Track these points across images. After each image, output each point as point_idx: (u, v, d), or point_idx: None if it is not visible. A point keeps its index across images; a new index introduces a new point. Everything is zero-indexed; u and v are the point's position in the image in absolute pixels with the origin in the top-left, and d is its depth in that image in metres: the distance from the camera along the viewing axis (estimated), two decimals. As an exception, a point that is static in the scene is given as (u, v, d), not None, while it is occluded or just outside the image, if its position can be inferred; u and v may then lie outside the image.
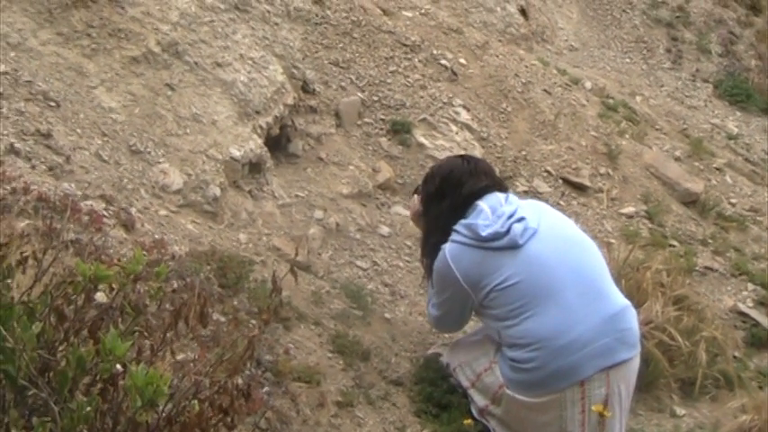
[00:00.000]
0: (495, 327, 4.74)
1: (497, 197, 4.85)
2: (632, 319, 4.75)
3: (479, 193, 4.86)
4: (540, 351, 4.56)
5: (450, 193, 4.93)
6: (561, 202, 6.95)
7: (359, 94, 6.86)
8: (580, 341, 4.54)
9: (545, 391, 4.60)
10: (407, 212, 6.06)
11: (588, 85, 8.78)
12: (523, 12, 9.36)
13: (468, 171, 4.96)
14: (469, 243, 4.71)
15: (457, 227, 4.77)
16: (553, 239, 4.72)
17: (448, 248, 4.76)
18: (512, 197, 4.93)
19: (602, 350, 4.56)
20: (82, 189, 4.86)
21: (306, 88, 6.64)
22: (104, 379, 2.82)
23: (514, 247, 4.65)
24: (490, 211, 4.75)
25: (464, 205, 4.86)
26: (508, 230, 4.66)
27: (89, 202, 4.74)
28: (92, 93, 5.53)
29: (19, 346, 2.70)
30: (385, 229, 6.14)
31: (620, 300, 4.75)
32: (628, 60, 10.06)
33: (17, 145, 4.94)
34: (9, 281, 2.93)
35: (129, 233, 4.79)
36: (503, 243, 4.66)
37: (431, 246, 4.94)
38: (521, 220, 4.69)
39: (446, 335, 5.34)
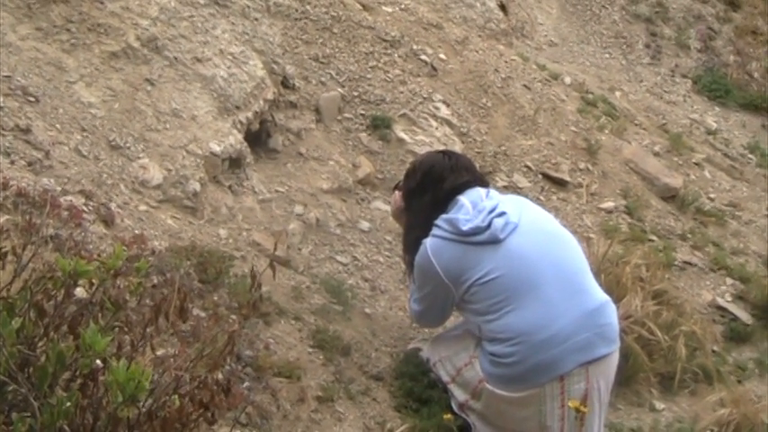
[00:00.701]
0: (475, 321, 4.75)
1: (478, 192, 4.87)
2: (612, 314, 4.76)
3: (460, 189, 4.87)
4: (520, 345, 4.57)
5: (431, 188, 4.94)
6: (541, 197, 6.96)
7: (339, 89, 6.86)
8: (560, 336, 4.55)
9: (525, 386, 4.61)
10: (388, 208, 6.07)
11: (568, 80, 8.79)
12: (503, 7, 9.38)
13: (450, 166, 4.97)
14: (450, 237, 4.72)
15: (438, 221, 4.78)
16: (534, 234, 4.74)
17: (429, 243, 4.77)
18: (493, 192, 4.94)
19: (581, 345, 4.57)
20: (61, 184, 4.84)
21: (286, 83, 6.64)
22: (84, 374, 2.82)
23: (495, 241, 4.66)
24: (471, 206, 4.76)
25: (445, 200, 4.87)
26: (489, 225, 4.67)
27: (69, 198, 4.73)
28: (71, 88, 5.51)
29: (-2, 342, 2.70)
30: (365, 225, 6.15)
31: (599, 295, 4.76)
32: (607, 56, 10.09)
33: (-4, 140, 4.92)
34: (-12, 276, 2.93)
35: (109, 228, 4.78)
36: (483, 237, 4.67)
37: (412, 241, 4.95)
38: (502, 214, 4.70)
39: (426, 330, 5.35)
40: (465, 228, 4.68)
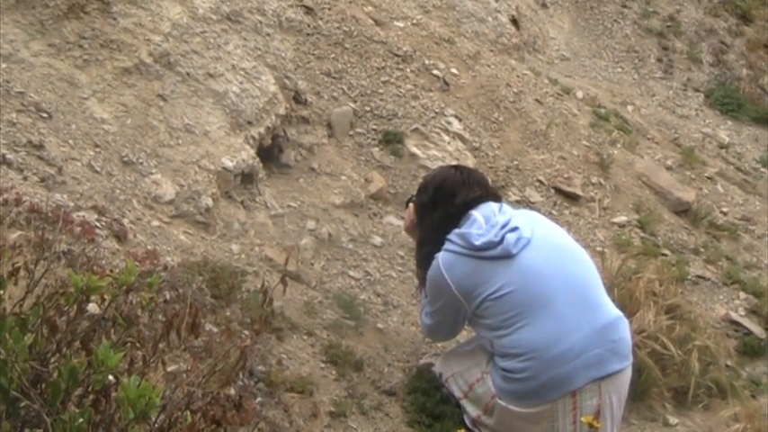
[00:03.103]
0: (487, 336, 4.75)
1: (491, 207, 4.86)
2: (625, 329, 4.74)
3: (472, 203, 4.87)
4: (532, 361, 4.56)
5: (442, 203, 4.94)
6: (553, 212, 6.95)
7: (351, 104, 6.86)
8: (572, 351, 4.54)
9: (537, 402, 4.60)
10: (400, 222, 6.07)
11: (580, 94, 8.79)
12: (515, 22, 9.38)
13: (461, 181, 4.96)
14: (463, 252, 4.71)
15: (450, 236, 4.77)
16: (546, 249, 4.73)
17: (441, 257, 4.76)
18: (505, 207, 4.93)
19: (594, 361, 4.56)
20: (74, 200, 4.86)
21: (298, 99, 6.65)
22: (97, 390, 2.81)
23: (508, 256, 4.66)
24: (483, 221, 4.75)
25: (457, 215, 4.86)
26: (501, 240, 4.66)
27: (81, 213, 4.74)
28: (84, 104, 5.53)
29: (11, 358, 2.70)
30: (377, 239, 6.15)
31: (612, 310, 4.75)
32: (619, 70, 10.08)
33: (9, 156, 4.93)
34: (1, 292, 2.93)
35: (122, 244, 4.78)
36: (496, 252, 4.66)
37: (424, 255, 4.94)
38: (514, 229, 4.69)
39: (439, 345, 5.34)
40: (478, 242, 4.67)
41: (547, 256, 4.71)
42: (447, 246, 4.78)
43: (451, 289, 4.71)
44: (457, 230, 4.78)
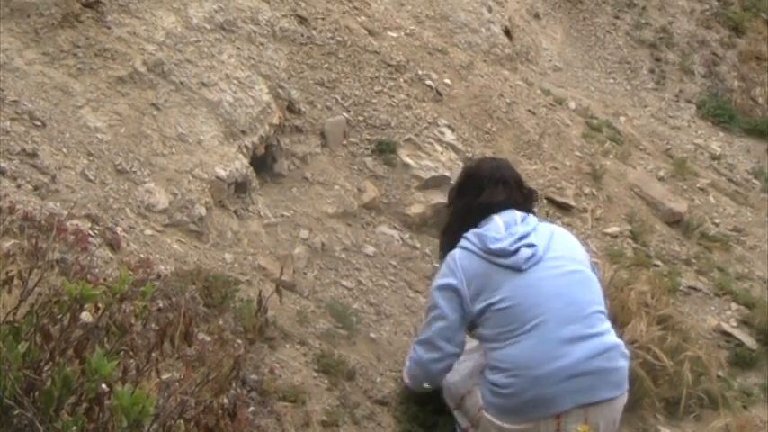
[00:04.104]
0: (483, 347, 4.77)
1: (514, 215, 4.87)
2: (621, 358, 4.73)
3: (495, 208, 4.89)
4: (516, 378, 4.58)
5: (468, 192, 5.04)
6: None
7: (344, 113, 6.87)
8: (559, 374, 4.54)
9: (520, 419, 4.61)
10: (393, 232, 6.11)
11: (572, 105, 8.81)
12: (508, 32, 9.39)
13: (488, 176, 5.02)
14: (477, 252, 4.76)
15: (468, 234, 4.82)
16: (555, 270, 4.72)
17: (457, 253, 4.82)
18: (530, 219, 4.90)
19: (582, 387, 4.55)
20: (67, 208, 4.85)
21: (291, 108, 6.66)
22: (90, 399, 2.81)
23: (517, 269, 4.68)
24: (503, 227, 4.79)
25: (478, 212, 4.90)
26: (516, 252, 4.68)
27: (75, 222, 4.74)
28: (78, 112, 5.53)
29: (4, 366, 2.70)
30: (370, 249, 6.15)
31: (610, 339, 4.73)
32: (611, 81, 10.10)
33: (2, 164, 4.93)
34: (-6, 300, 2.93)
35: (115, 253, 4.79)
36: (507, 262, 4.68)
37: (446, 242, 5.03)
38: (531, 246, 4.70)
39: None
40: (493, 246, 4.70)
41: (553, 276, 4.71)
42: (463, 243, 4.82)
43: (463, 285, 4.73)
44: (475, 230, 4.81)
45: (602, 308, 4.81)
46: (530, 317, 4.61)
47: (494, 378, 4.65)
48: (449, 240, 4.97)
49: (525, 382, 4.55)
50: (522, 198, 5.09)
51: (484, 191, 4.95)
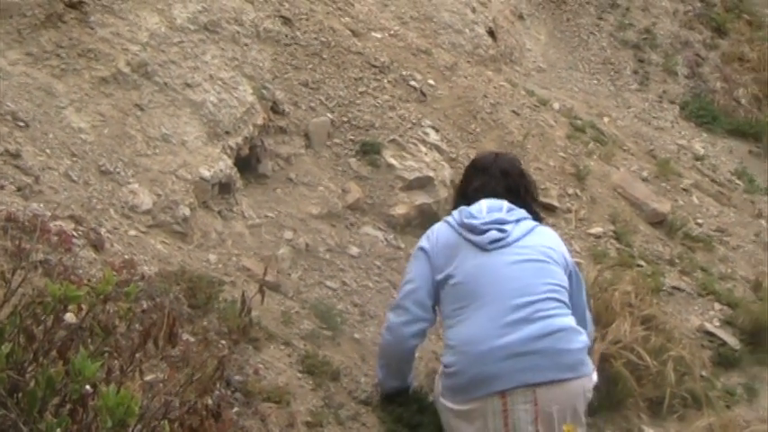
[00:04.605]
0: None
1: (501, 203, 4.90)
2: (574, 341, 4.65)
3: (485, 194, 4.99)
4: (460, 355, 4.61)
5: (467, 179, 5.20)
6: (530, 223, 6.97)
7: (328, 114, 6.87)
8: (501, 352, 4.52)
9: (467, 398, 4.60)
10: (377, 233, 6.12)
11: (556, 106, 8.83)
12: (492, 33, 9.41)
13: (484, 167, 5.16)
14: (453, 225, 4.86)
15: (454, 211, 4.94)
16: (517, 256, 4.72)
17: (437, 224, 4.99)
18: (518, 212, 4.91)
19: (526, 365, 4.52)
20: (51, 209, 4.84)
21: (275, 109, 6.65)
22: (74, 400, 2.81)
23: (482, 248, 4.72)
24: (486, 209, 4.84)
25: (472, 196, 5.02)
26: (484, 232, 4.72)
27: (58, 223, 4.72)
28: (61, 113, 5.52)
29: (-12, 367, 2.69)
30: (354, 250, 6.15)
31: (563, 321, 4.67)
32: (595, 82, 10.13)
33: (-14, 165, 4.93)
34: (-22, 302, 2.92)
35: (99, 253, 4.78)
36: (474, 239, 4.75)
37: None
38: (502, 231, 4.74)
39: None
40: (466, 220, 4.79)
41: (514, 262, 4.71)
42: (447, 217, 4.97)
43: (433, 251, 4.83)
44: (463, 207, 4.92)
45: (559, 296, 4.73)
46: (480, 295, 4.63)
47: (444, 358, 4.72)
48: None
49: (468, 359, 4.56)
50: (523, 189, 5.13)
51: (482, 178, 5.03)
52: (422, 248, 4.90)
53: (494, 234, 4.73)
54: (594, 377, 4.78)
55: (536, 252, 4.79)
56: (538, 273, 4.74)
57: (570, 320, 4.72)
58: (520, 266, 4.71)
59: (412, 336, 4.92)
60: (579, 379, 4.65)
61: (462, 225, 4.80)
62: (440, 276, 4.77)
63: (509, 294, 4.62)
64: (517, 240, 4.75)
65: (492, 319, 4.58)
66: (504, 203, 4.91)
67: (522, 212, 4.91)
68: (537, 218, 5.04)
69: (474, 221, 4.78)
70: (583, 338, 4.71)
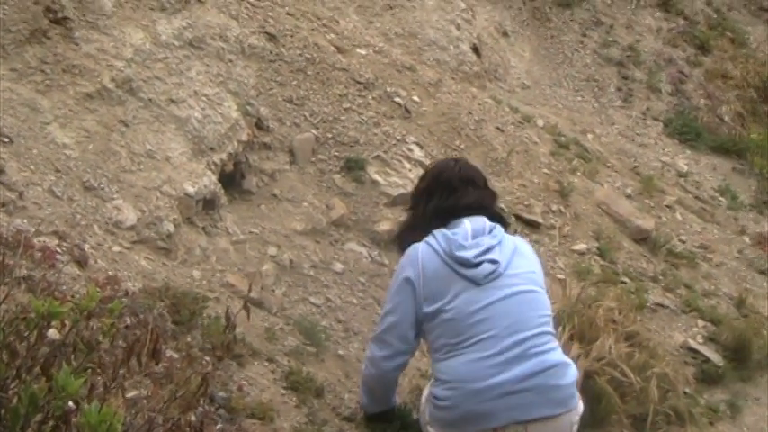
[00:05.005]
0: (431, 356, 4.79)
1: (483, 223, 4.83)
2: (566, 376, 4.66)
3: (465, 212, 4.86)
4: (454, 391, 4.57)
5: (438, 194, 4.96)
6: (514, 239, 6.98)
7: (313, 131, 6.88)
8: (495, 390, 4.51)
9: None
10: (361, 249, 6.11)
11: (540, 122, 8.85)
12: (476, 50, 9.44)
13: (458, 177, 4.98)
14: (441, 254, 4.70)
15: (436, 233, 4.77)
16: (509, 289, 4.67)
17: (421, 247, 4.76)
18: (497, 230, 4.85)
19: (520, 403, 4.51)
20: (35, 225, 4.83)
21: (260, 125, 6.66)
22: (57, 416, 2.80)
23: (475, 283, 4.66)
24: (471, 234, 4.74)
25: (449, 213, 4.87)
26: (478, 265, 4.66)
27: (42, 239, 4.72)
28: (45, 129, 5.51)
29: (-29, 384, 2.68)
30: (339, 266, 6.15)
31: (555, 357, 4.67)
32: (579, 98, 10.17)
33: (-31, 181, 4.92)
34: (-40, 318, 2.91)
35: (83, 269, 4.77)
36: (468, 273, 4.66)
37: (408, 241, 4.93)
38: (494, 262, 4.68)
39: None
40: (458, 253, 4.66)
41: (507, 296, 4.67)
42: (429, 240, 4.77)
43: (420, 280, 4.70)
44: (444, 231, 4.77)
45: (549, 328, 4.75)
46: (476, 332, 4.59)
47: (435, 390, 4.67)
48: (414, 239, 4.88)
49: (462, 395, 4.55)
50: (491, 198, 5.08)
51: (456, 190, 4.93)
52: (407, 279, 4.75)
53: (487, 267, 4.66)
54: (581, 406, 4.78)
55: (524, 281, 4.75)
56: (529, 306, 4.71)
57: (561, 355, 4.74)
58: (513, 300, 4.68)
59: (394, 369, 4.93)
60: (571, 411, 4.68)
61: (453, 258, 4.68)
62: (429, 309, 4.68)
63: (503, 332, 4.59)
64: (507, 268, 4.72)
65: (487, 356, 4.55)
66: (485, 222, 4.85)
67: (498, 229, 4.87)
68: (503, 222, 5.01)
69: (466, 254, 4.66)
70: (573, 371, 4.72)
